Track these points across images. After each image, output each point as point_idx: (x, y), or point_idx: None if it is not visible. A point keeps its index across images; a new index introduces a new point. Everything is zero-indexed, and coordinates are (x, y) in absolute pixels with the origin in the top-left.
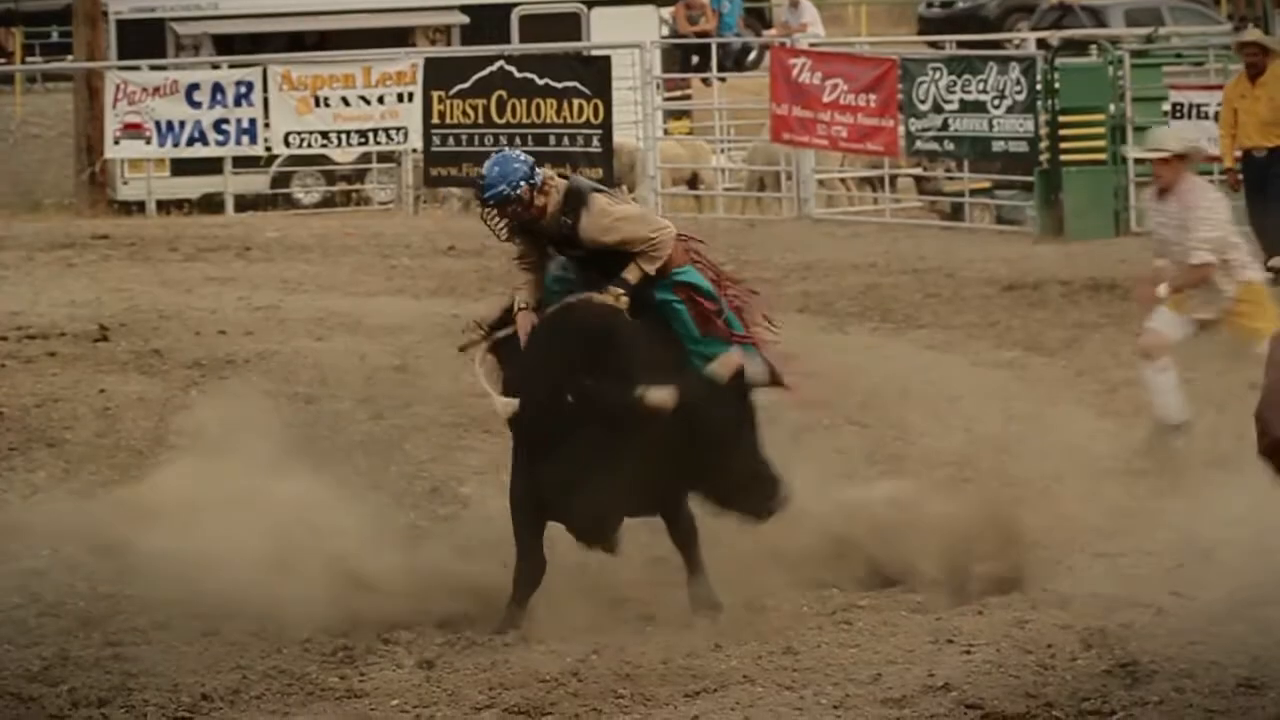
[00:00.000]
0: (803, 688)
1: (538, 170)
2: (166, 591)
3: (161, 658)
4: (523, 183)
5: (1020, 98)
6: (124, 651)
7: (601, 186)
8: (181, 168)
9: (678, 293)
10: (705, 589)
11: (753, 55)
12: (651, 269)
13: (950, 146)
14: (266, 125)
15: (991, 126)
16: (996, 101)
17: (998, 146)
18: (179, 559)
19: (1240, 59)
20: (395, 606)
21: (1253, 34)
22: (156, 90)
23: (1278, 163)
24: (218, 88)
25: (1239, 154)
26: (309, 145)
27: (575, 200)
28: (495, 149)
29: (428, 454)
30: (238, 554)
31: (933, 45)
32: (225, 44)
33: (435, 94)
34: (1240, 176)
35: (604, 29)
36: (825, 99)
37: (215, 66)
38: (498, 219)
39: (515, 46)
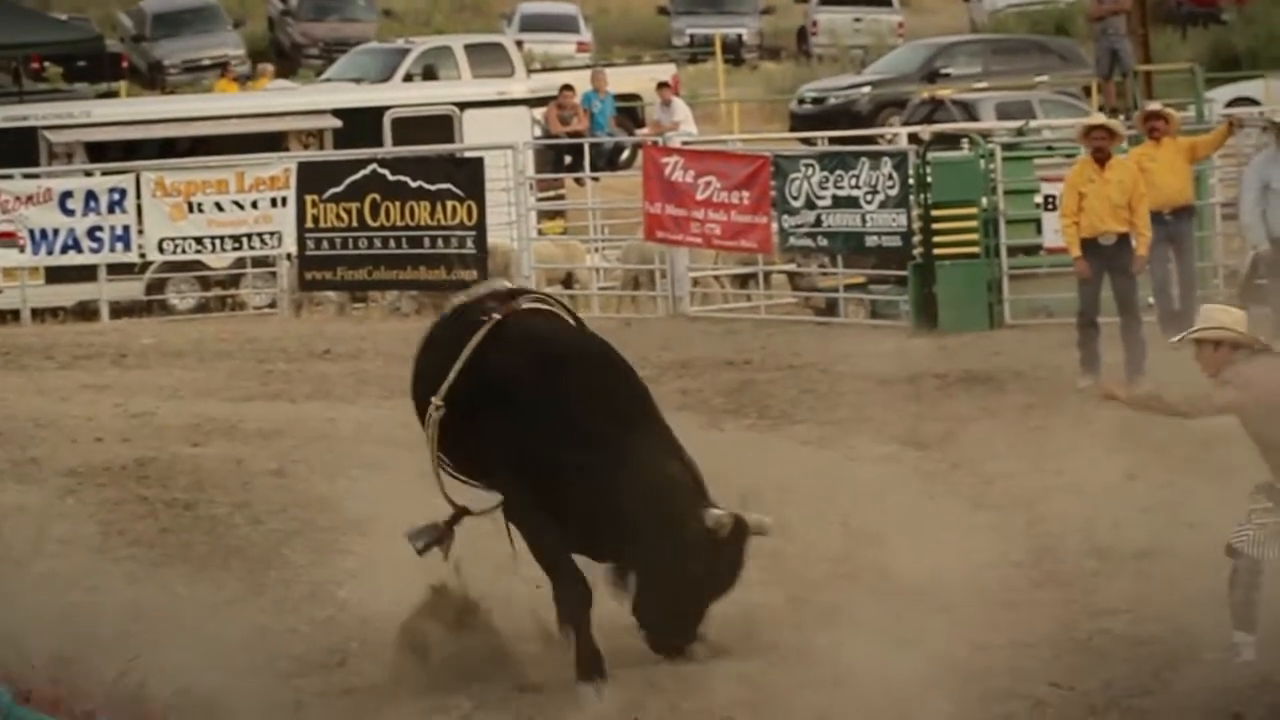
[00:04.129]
0: None
1: None
2: None
3: None
4: None
5: (893, 192)
6: None
7: None
8: (56, 275)
9: None
10: None
11: (625, 154)
12: None
13: (824, 242)
14: (140, 231)
15: (864, 221)
16: (869, 196)
17: (871, 241)
18: None
19: (1085, 146)
20: None
21: (1097, 118)
22: (29, 199)
23: (1125, 250)
24: (91, 195)
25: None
26: (183, 251)
27: None
28: (370, 251)
29: (305, 558)
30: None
31: (805, 142)
32: (98, 151)
33: (309, 198)
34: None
35: (476, 130)
36: (699, 196)
37: (88, 174)
38: None
39: (388, 150)
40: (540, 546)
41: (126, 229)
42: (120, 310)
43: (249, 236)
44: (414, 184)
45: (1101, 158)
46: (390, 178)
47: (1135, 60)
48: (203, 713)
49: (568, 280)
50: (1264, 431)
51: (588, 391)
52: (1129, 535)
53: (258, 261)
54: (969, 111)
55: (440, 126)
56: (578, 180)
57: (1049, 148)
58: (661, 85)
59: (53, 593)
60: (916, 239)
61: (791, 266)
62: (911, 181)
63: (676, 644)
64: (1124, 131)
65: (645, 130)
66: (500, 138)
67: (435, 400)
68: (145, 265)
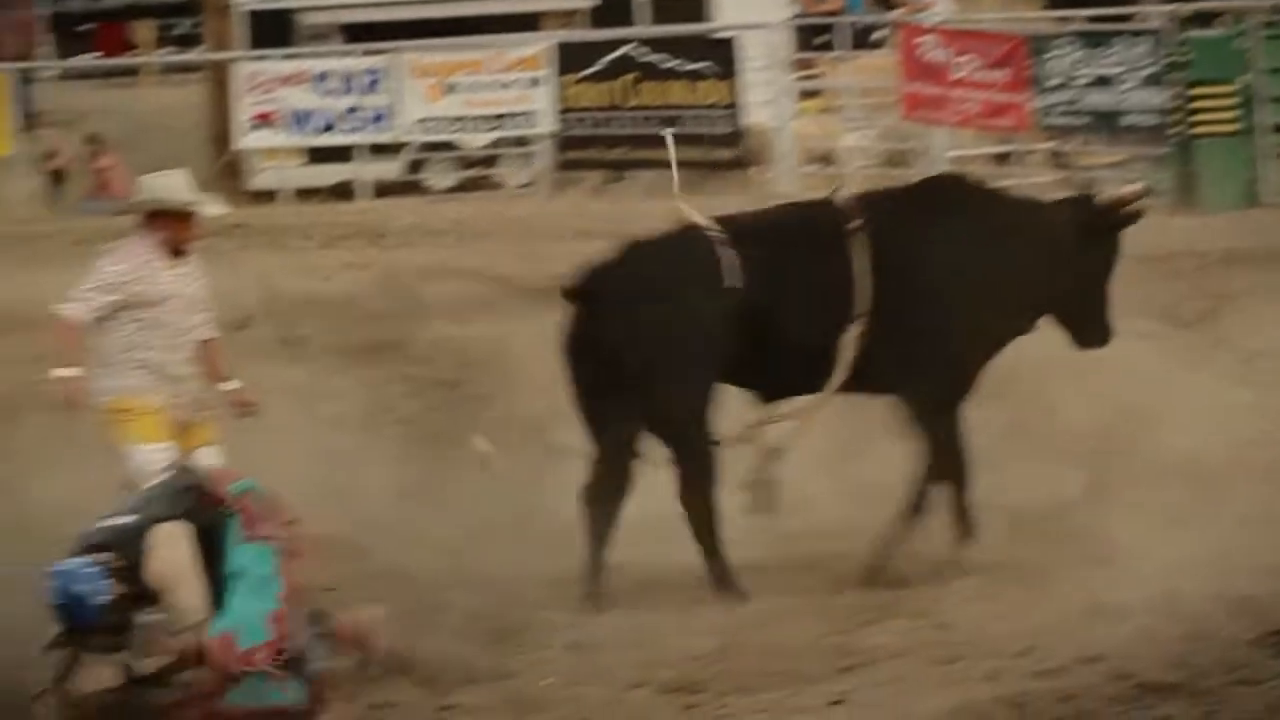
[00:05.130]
0: (954, 661)
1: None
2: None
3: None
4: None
5: (1150, 70)
6: None
7: None
8: (315, 155)
9: None
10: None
11: (880, 34)
12: None
13: (1080, 121)
14: (397, 112)
15: (1121, 100)
16: (1126, 75)
17: (1127, 120)
18: None
19: None
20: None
21: None
22: (287, 80)
23: None
24: (348, 76)
25: None
26: (440, 131)
27: None
28: (627, 131)
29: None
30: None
31: (1061, 20)
32: (353, 33)
33: (566, 78)
34: None
35: (732, 9)
36: (955, 75)
37: (345, 55)
38: None
39: (644, 30)
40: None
41: (384, 110)
42: (379, 190)
43: (506, 117)
44: (670, 64)
45: None
46: (646, 58)
47: None
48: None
49: (826, 159)
50: None
51: None
52: None
53: (515, 141)
54: None
55: (694, 5)
56: (833, 59)
57: None
58: None
59: (322, 471)
60: (1174, 118)
61: (1050, 145)
62: (1169, 60)
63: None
64: None
65: (900, 10)
66: (756, 17)
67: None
68: (402, 145)
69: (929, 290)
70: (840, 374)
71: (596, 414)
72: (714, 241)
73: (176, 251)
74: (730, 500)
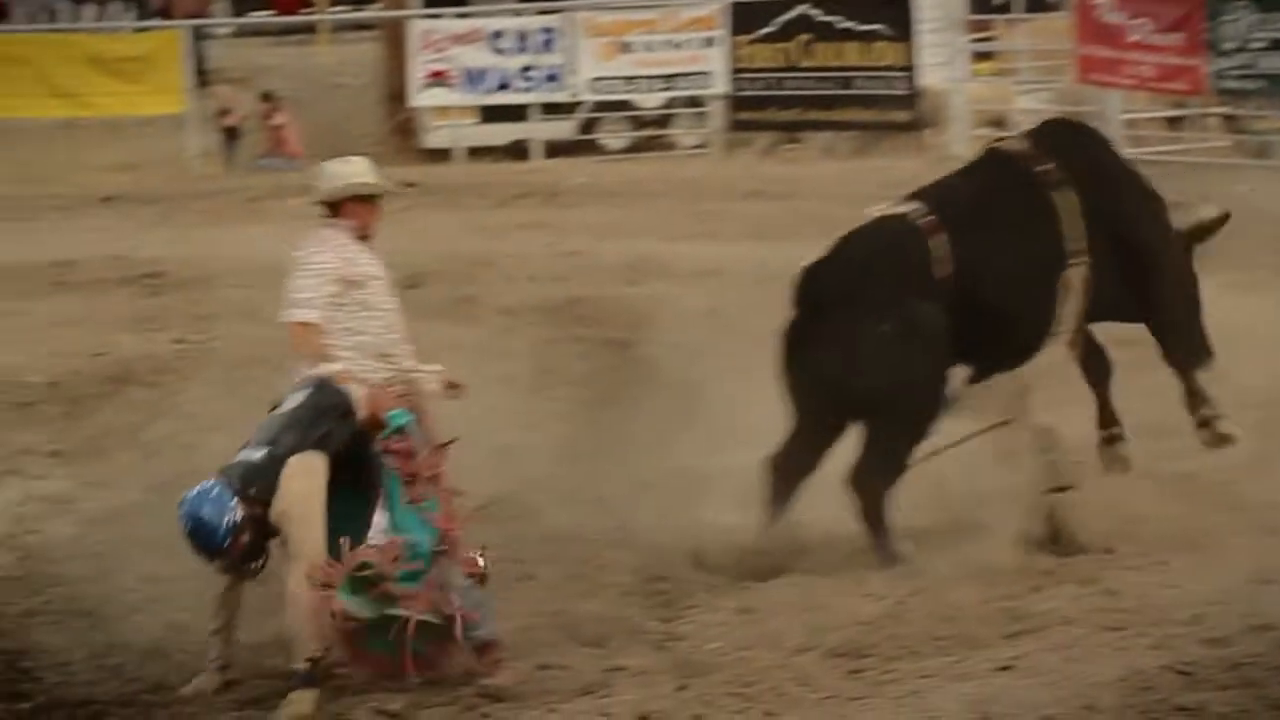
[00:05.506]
0: (1122, 629)
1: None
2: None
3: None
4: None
5: None
6: None
7: None
8: (489, 114)
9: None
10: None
11: None
12: None
13: (1256, 85)
14: (572, 71)
15: None
16: None
17: None
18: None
19: None
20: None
21: None
22: (461, 38)
23: None
24: (522, 34)
25: None
26: (614, 91)
27: None
28: (801, 92)
29: (741, 396)
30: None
31: None
32: None
33: (739, 38)
34: None
35: None
36: (1130, 38)
37: (519, 14)
38: None
39: None
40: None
41: (558, 68)
42: (552, 150)
43: (679, 76)
44: (844, 24)
45: None
46: (821, 18)
47: None
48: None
49: (999, 122)
50: None
51: None
52: None
53: (688, 102)
54: None
55: None
56: (1008, 21)
57: None
58: None
59: (488, 431)
60: None
61: (1225, 109)
62: None
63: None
64: None
65: None
66: None
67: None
68: (577, 105)
69: (1130, 212)
70: (1072, 318)
71: (806, 400)
72: (923, 231)
73: (364, 236)
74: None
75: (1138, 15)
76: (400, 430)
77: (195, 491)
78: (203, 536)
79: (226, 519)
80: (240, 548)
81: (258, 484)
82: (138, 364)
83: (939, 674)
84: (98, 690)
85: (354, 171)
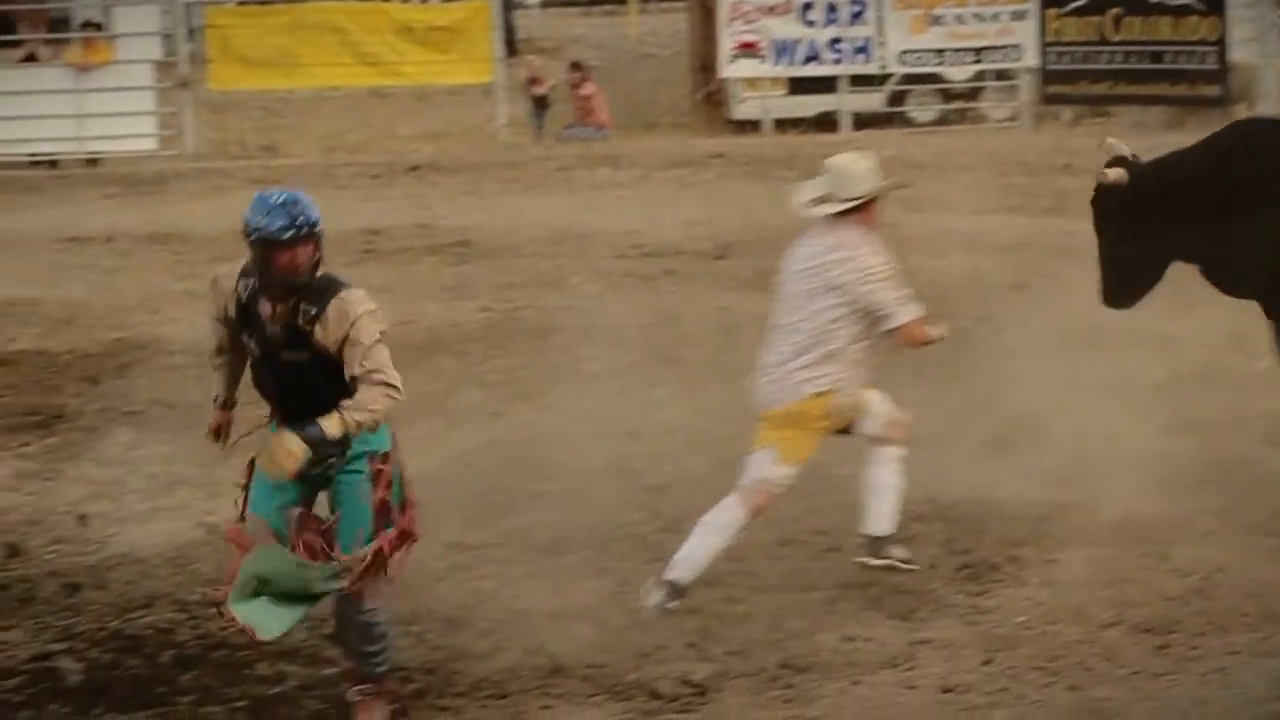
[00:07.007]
0: None
1: None
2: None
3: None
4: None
5: None
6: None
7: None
8: (797, 86)
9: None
10: None
11: None
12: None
13: None
14: (881, 44)
15: None
16: None
17: None
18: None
19: None
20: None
21: None
22: (771, 9)
23: None
24: (831, 6)
25: None
26: (923, 63)
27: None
28: (1111, 66)
29: (1044, 370)
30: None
31: None
32: None
33: (1051, 11)
34: None
35: None
36: None
37: None
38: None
39: None
40: None
41: (867, 40)
42: (861, 122)
43: (989, 49)
44: None
45: None
46: None
47: None
48: (955, 524)
49: None
50: None
51: None
52: None
53: (998, 75)
54: None
55: None
56: None
57: None
58: None
59: None
60: None
61: None
62: None
63: None
64: None
65: None
66: None
67: None
68: (885, 77)
69: None
70: None
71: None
72: None
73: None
74: None
75: None
76: (384, 455)
77: None
78: None
79: None
80: None
81: None
82: (444, 332)
83: (1246, 650)
84: (400, 656)
85: (870, 168)
